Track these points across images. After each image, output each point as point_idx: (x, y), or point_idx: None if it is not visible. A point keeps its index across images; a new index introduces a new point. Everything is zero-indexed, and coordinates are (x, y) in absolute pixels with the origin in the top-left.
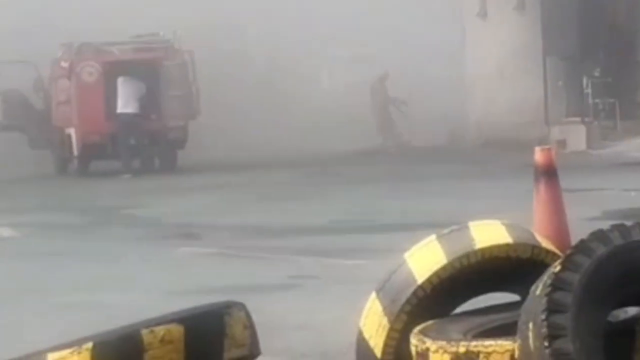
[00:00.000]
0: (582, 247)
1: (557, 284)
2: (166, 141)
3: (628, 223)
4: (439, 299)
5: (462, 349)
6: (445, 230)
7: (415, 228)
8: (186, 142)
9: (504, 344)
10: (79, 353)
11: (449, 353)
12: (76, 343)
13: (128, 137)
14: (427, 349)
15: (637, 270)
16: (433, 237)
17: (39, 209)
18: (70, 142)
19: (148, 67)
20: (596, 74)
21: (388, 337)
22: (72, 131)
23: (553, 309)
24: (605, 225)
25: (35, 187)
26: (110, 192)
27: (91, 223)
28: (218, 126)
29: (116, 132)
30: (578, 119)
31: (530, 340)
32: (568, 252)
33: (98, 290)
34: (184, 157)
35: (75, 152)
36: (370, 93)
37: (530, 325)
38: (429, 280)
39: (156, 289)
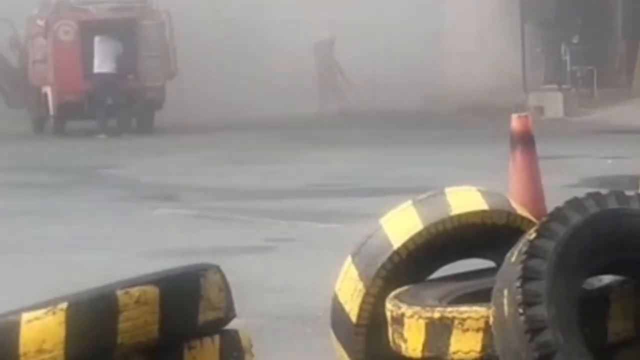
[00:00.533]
0: (558, 214)
1: (532, 252)
2: (143, 101)
3: (604, 191)
4: (414, 265)
5: (437, 315)
6: (422, 196)
7: (391, 193)
8: (163, 103)
9: (479, 311)
10: (54, 313)
11: (424, 318)
12: (51, 303)
13: (105, 96)
14: (402, 314)
15: (612, 239)
16: (409, 202)
17: (14, 168)
18: (47, 101)
19: (125, 26)
20: (574, 41)
21: (363, 301)
22: (48, 90)
23: (528, 276)
24: (581, 193)
25: (11, 146)
26: (86, 151)
27: (67, 183)
28: (195, 87)
29: (93, 91)
30: (556, 86)
31: (505, 307)
32: (543, 219)
33: (73, 250)
34: (161, 117)
35: (52, 111)
36: (315, 55)
37: (505, 292)
38: (404, 245)
39: (132, 250)
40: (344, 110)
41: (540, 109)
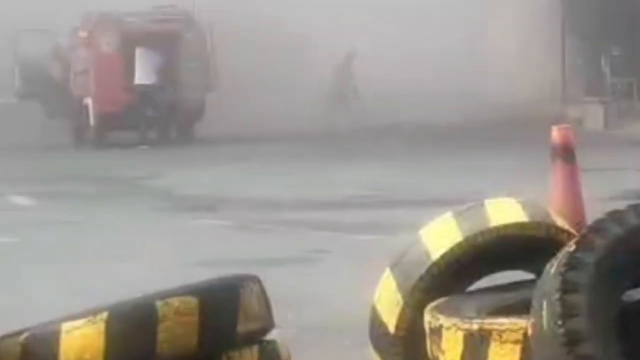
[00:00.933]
0: (598, 226)
1: (571, 263)
2: (183, 112)
3: None
4: (453, 276)
5: (475, 327)
6: (461, 208)
7: (430, 205)
8: (203, 114)
9: (517, 322)
10: (94, 323)
11: (462, 330)
12: (91, 313)
13: (145, 108)
14: (441, 326)
15: None
16: (449, 214)
17: (55, 178)
18: (88, 112)
19: (166, 38)
20: (615, 53)
21: (402, 313)
22: (89, 101)
23: (567, 288)
24: (621, 205)
25: (52, 156)
26: (126, 162)
27: (107, 193)
28: (236, 98)
29: (133, 102)
30: (596, 98)
31: (544, 319)
32: (583, 231)
33: (113, 260)
34: (202, 128)
35: (92, 122)
36: (336, 70)
37: (544, 304)
38: (443, 257)
39: (171, 260)
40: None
41: (580, 121)
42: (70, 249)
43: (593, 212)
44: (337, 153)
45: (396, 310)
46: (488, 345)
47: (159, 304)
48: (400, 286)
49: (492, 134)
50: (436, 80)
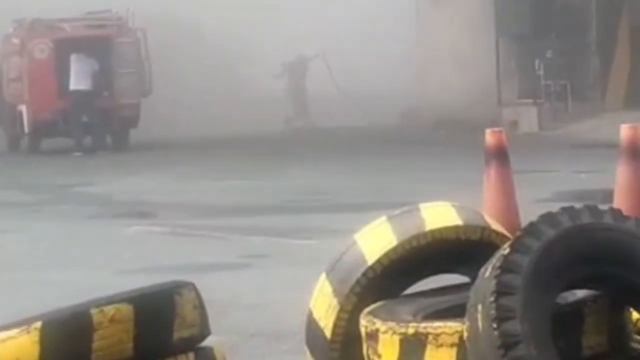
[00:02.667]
0: (532, 229)
1: (506, 267)
2: (118, 119)
3: (578, 206)
4: (389, 280)
5: (411, 330)
6: (396, 212)
7: (366, 208)
8: (138, 120)
9: (453, 326)
10: (28, 332)
11: (398, 334)
12: (25, 322)
13: (80, 114)
14: (377, 330)
15: (586, 254)
16: (384, 218)
17: None
18: (22, 120)
19: (100, 44)
20: (548, 55)
21: (338, 318)
22: (23, 108)
23: (502, 291)
24: (555, 207)
25: None
26: (61, 169)
27: (42, 201)
28: (171, 104)
29: (68, 109)
30: (530, 100)
31: (479, 322)
32: (517, 234)
33: (47, 268)
34: (137, 135)
35: (27, 129)
36: (289, 71)
37: (479, 307)
38: (379, 261)
39: (107, 268)
40: (308, 127)
41: (514, 124)
42: (3, 258)
43: (527, 215)
44: (273, 158)
45: (332, 315)
46: (424, 348)
47: (93, 311)
48: (336, 291)
49: (428, 137)
50: (373, 83)
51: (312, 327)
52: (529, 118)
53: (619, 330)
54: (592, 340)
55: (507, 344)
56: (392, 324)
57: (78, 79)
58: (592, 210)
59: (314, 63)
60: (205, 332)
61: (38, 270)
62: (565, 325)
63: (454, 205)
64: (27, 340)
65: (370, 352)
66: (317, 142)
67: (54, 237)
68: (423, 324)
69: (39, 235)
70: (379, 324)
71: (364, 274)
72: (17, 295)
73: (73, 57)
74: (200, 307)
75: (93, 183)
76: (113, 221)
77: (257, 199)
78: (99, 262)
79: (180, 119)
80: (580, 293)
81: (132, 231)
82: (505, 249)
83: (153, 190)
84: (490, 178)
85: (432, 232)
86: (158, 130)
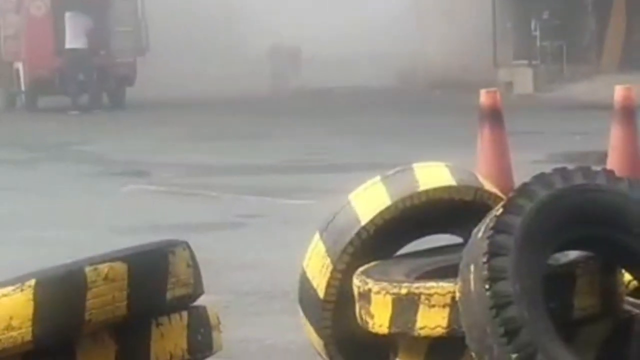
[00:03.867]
0: (525, 190)
1: (498, 227)
2: (114, 77)
3: (570, 167)
4: (382, 241)
5: (403, 291)
6: (390, 172)
7: (361, 169)
8: (135, 79)
9: (446, 286)
10: (22, 290)
11: (391, 294)
12: (19, 280)
13: (76, 72)
14: (369, 290)
15: (579, 215)
16: (377, 178)
17: None
18: (19, 77)
19: (97, 2)
20: (545, 16)
21: (331, 277)
22: (20, 66)
23: (494, 251)
24: (548, 168)
25: None
26: (57, 128)
27: (37, 158)
28: (168, 63)
29: (64, 67)
30: (525, 61)
31: (471, 283)
32: (510, 195)
33: (41, 226)
34: (133, 94)
35: (23, 87)
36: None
37: (472, 267)
38: (372, 221)
39: (101, 226)
40: (304, 88)
41: (509, 85)
42: None
43: (521, 175)
44: (269, 119)
45: (325, 275)
46: (417, 309)
47: (87, 269)
48: (329, 251)
49: (423, 98)
50: (370, 44)
51: (305, 286)
52: (524, 79)
53: (610, 292)
54: (583, 301)
55: (499, 304)
56: (384, 284)
57: (74, 37)
58: (585, 171)
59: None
60: (198, 291)
61: (31, 228)
62: (557, 286)
63: (447, 166)
64: (21, 298)
65: (362, 312)
66: (313, 103)
67: (48, 195)
68: (416, 284)
69: (33, 193)
70: (371, 284)
71: (357, 234)
72: (11, 252)
73: (68, 15)
74: (194, 266)
75: (89, 141)
76: (107, 180)
77: (252, 159)
78: (94, 221)
79: (175, 78)
80: (573, 254)
81: (127, 190)
82: (498, 210)
83: (148, 149)
84: (484, 138)
85: (426, 192)
86: (154, 90)
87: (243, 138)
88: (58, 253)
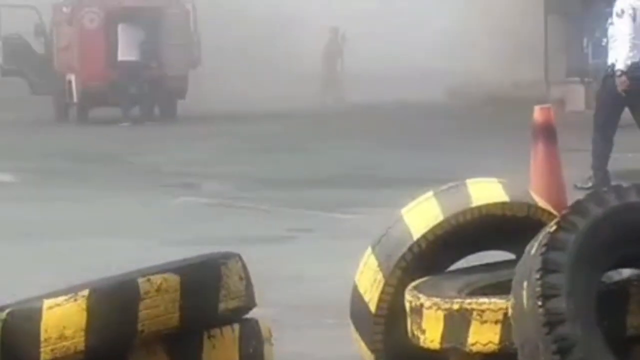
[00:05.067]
0: (578, 207)
1: (552, 244)
2: (166, 90)
3: (624, 184)
4: (434, 256)
5: (455, 306)
6: (443, 187)
7: (412, 184)
8: (186, 91)
9: (498, 303)
10: (75, 300)
11: (443, 310)
12: (72, 290)
13: (128, 84)
14: (421, 305)
15: (632, 232)
16: (430, 193)
17: (38, 154)
18: (71, 89)
19: (150, 14)
20: (597, 34)
21: (383, 292)
22: (72, 77)
23: (548, 268)
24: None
25: (35, 133)
26: (109, 139)
27: (90, 170)
28: (219, 76)
29: (117, 79)
30: (577, 78)
31: (524, 299)
32: (564, 212)
33: (95, 237)
34: (185, 106)
35: (75, 98)
36: (324, 50)
37: (525, 284)
38: (424, 236)
39: (153, 238)
40: (340, 102)
41: (561, 102)
42: (51, 226)
43: (574, 193)
44: (321, 131)
45: (377, 289)
46: (468, 325)
47: (140, 280)
48: (381, 265)
49: (475, 113)
50: (421, 59)
51: (356, 300)
52: (576, 97)
53: None
54: (636, 319)
55: (552, 321)
56: (436, 299)
57: (126, 50)
58: (639, 189)
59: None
60: (250, 304)
61: (85, 239)
62: (610, 304)
63: (500, 182)
64: (74, 308)
65: (414, 327)
66: (364, 118)
67: (100, 206)
68: (468, 300)
69: (85, 204)
70: (423, 299)
71: (410, 249)
72: (64, 263)
73: (120, 27)
74: (246, 278)
75: (140, 153)
76: (160, 192)
77: (302, 173)
78: (146, 232)
79: (228, 91)
80: (626, 272)
81: (179, 202)
82: (551, 227)
83: (199, 162)
84: (537, 155)
85: (479, 208)
86: (206, 103)
87: (293, 151)
88: (111, 264)
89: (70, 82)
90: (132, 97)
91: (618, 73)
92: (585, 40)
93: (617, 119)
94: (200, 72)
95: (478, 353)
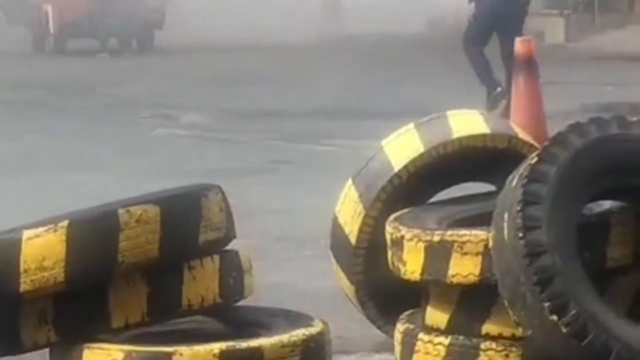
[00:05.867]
0: (559, 139)
1: (533, 176)
2: (143, 21)
3: (605, 116)
4: (415, 188)
5: (436, 238)
6: (424, 119)
7: (393, 115)
8: (163, 23)
9: (478, 234)
10: (55, 231)
11: (423, 241)
12: (52, 221)
13: (105, 16)
14: (402, 237)
15: (613, 164)
16: (411, 125)
17: (14, 86)
18: (47, 19)
19: None
20: None
21: (363, 224)
22: (49, 8)
23: (528, 200)
24: (581, 119)
25: (11, 64)
26: (86, 71)
27: (66, 102)
28: (197, 7)
29: (93, 10)
30: (557, 11)
31: (505, 231)
32: (545, 143)
33: (72, 170)
34: (162, 38)
35: (52, 29)
36: None
37: (505, 215)
38: (405, 168)
39: (132, 170)
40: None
41: (541, 35)
42: (27, 158)
43: (554, 125)
44: (300, 65)
45: (358, 221)
46: (449, 256)
47: (120, 212)
48: (362, 197)
49: (453, 45)
50: None
51: (337, 232)
52: (555, 29)
53: None
54: (617, 252)
55: (533, 253)
56: (417, 231)
57: None
58: (620, 120)
59: None
60: (230, 235)
61: (62, 171)
62: (590, 236)
63: (481, 114)
64: (54, 239)
65: (394, 259)
66: (345, 50)
67: (78, 139)
68: (448, 232)
69: (63, 137)
70: (404, 231)
71: (390, 181)
72: (42, 195)
73: None
74: (226, 210)
75: (118, 85)
76: (138, 123)
77: (281, 104)
78: (124, 165)
79: (207, 22)
80: (607, 204)
81: (156, 134)
82: (532, 158)
83: (178, 94)
84: (518, 87)
85: (459, 139)
86: (184, 34)
87: (272, 83)
88: (90, 196)
89: (47, 12)
90: (109, 28)
91: None
92: None
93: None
94: (178, 3)
95: (459, 284)
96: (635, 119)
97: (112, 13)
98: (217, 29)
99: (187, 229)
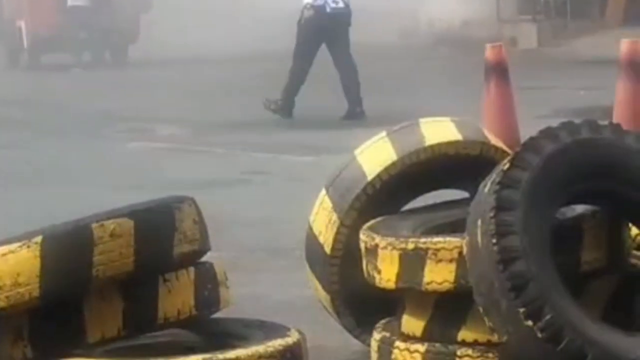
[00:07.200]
0: (531, 144)
1: (505, 182)
2: (117, 35)
3: (577, 121)
4: (388, 196)
5: (410, 246)
6: (396, 127)
7: (366, 125)
8: (138, 36)
9: (452, 241)
10: (28, 247)
11: (398, 249)
12: (25, 237)
13: (79, 30)
14: (376, 245)
15: (586, 169)
16: (383, 133)
17: None
18: (21, 35)
19: None
20: None
21: (337, 233)
22: (22, 23)
23: (501, 206)
24: (554, 123)
25: None
26: (60, 85)
27: (40, 116)
28: (170, 21)
29: (67, 25)
30: (529, 16)
31: (479, 238)
32: (517, 149)
33: (47, 184)
34: (135, 51)
35: (26, 44)
36: None
37: (479, 222)
38: (378, 176)
39: (106, 183)
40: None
41: (514, 40)
42: (1, 174)
43: (526, 131)
44: (273, 75)
45: (332, 230)
46: (424, 264)
47: (94, 226)
48: (336, 206)
49: (427, 54)
50: (371, 2)
51: (311, 242)
52: (528, 35)
53: (617, 245)
54: (590, 255)
55: (507, 259)
56: (391, 239)
57: None
58: (592, 125)
59: None
60: (205, 248)
61: (37, 187)
62: (564, 240)
63: (453, 121)
64: (28, 255)
65: (369, 267)
66: (318, 59)
67: (52, 153)
68: (422, 239)
69: (37, 151)
70: (378, 240)
71: (364, 190)
72: (16, 211)
73: None
74: (201, 222)
75: (91, 99)
76: (112, 137)
77: (258, 116)
78: (98, 179)
79: (180, 36)
80: (580, 208)
81: (132, 147)
82: (505, 164)
83: (153, 107)
84: (490, 93)
85: (432, 147)
86: (157, 47)
87: (248, 94)
88: (64, 211)
89: (20, 28)
90: (83, 42)
91: None
92: None
93: None
94: (151, 16)
95: (434, 292)
96: (606, 122)
97: (85, 27)
98: (191, 42)
99: (161, 242)
